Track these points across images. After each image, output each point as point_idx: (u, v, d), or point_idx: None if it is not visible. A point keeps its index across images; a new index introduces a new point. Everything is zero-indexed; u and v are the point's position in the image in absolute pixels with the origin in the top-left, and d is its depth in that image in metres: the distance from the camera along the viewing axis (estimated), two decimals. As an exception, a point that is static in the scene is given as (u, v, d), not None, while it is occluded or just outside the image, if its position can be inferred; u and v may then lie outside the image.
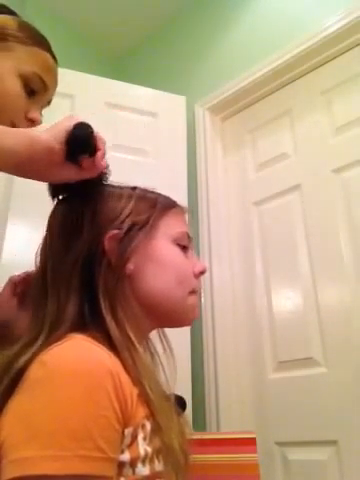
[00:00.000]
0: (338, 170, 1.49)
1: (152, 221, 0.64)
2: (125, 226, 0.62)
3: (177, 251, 0.66)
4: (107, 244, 0.61)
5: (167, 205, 0.68)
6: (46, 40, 0.77)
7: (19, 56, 0.71)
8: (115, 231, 0.62)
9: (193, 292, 0.67)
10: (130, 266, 0.62)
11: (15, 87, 0.70)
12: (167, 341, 0.70)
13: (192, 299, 0.67)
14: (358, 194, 1.42)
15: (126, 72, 2.31)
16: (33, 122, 0.74)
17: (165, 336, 0.71)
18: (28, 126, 0.72)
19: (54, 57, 0.77)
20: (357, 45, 1.57)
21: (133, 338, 0.57)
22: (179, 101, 1.88)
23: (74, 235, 0.62)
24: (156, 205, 0.66)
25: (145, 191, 0.69)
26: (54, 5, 2.14)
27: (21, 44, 0.72)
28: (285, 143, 1.68)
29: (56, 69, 0.78)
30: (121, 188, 0.68)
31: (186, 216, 0.72)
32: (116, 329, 0.57)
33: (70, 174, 0.61)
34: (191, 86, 1.98)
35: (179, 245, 0.66)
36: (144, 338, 0.67)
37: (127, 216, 0.63)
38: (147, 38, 2.31)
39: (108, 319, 0.57)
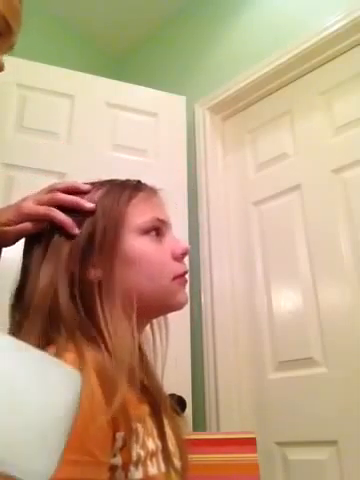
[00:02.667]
0: (338, 170, 1.49)
1: (113, 221, 0.61)
2: (85, 234, 0.60)
3: (146, 243, 0.62)
4: (69, 258, 0.60)
5: (130, 196, 0.64)
6: None
7: None
8: (75, 242, 0.60)
9: (177, 277, 0.64)
10: (96, 273, 0.60)
11: None
12: (166, 327, 0.69)
13: (176, 284, 0.64)
14: (358, 194, 1.42)
15: (126, 72, 2.31)
16: None
17: (166, 323, 0.69)
18: None
19: None
20: (357, 45, 1.57)
21: (105, 338, 0.56)
22: (179, 101, 1.88)
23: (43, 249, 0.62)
24: (118, 202, 0.63)
25: (104, 190, 0.65)
26: (53, 5, 2.14)
27: None
28: (285, 143, 1.68)
29: (21, 10, 0.68)
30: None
31: (157, 197, 0.68)
32: (100, 335, 0.56)
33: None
34: (191, 86, 1.98)
35: (151, 232, 0.63)
36: (139, 333, 0.65)
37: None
38: (147, 38, 2.31)
39: (93, 326, 0.56)
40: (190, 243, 1.58)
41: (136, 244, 0.62)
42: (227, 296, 1.63)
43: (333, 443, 1.26)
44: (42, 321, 0.56)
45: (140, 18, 2.24)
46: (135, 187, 0.66)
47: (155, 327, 0.69)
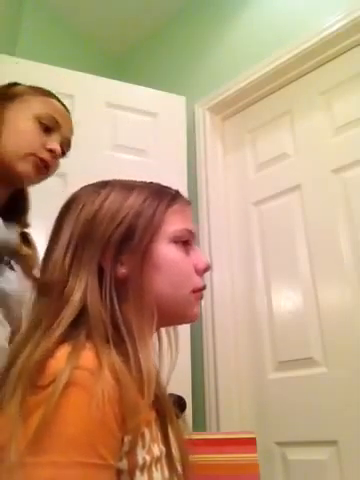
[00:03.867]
0: (338, 170, 1.49)
1: (152, 226, 0.62)
2: (122, 232, 0.61)
3: (175, 251, 0.63)
4: (102, 254, 0.60)
5: (168, 204, 0.65)
6: (53, 93, 0.96)
7: (32, 104, 0.90)
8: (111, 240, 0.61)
9: (196, 290, 0.65)
10: (122, 270, 0.60)
11: (31, 126, 0.87)
12: (176, 335, 0.69)
13: (194, 297, 0.65)
14: (358, 194, 1.42)
15: (126, 72, 2.31)
16: (52, 151, 0.89)
17: (175, 331, 0.70)
18: (50, 156, 0.89)
19: (64, 105, 0.96)
20: (357, 45, 1.57)
21: (135, 339, 0.56)
22: (179, 101, 1.88)
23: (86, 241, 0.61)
24: (158, 208, 0.64)
25: (146, 193, 0.65)
26: (54, 5, 2.14)
27: (33, 96, 0.92)
28: (285, 143, 1.68)
29: (66, 113, 0.96)
30: (125, 192, 0.65)
31: (189, 209, 0.69)
32: (115, 332, 0.56)
33: None
34: (191, 86, 1.98)
35: (179, 242, 0.64)
36: (150, 337, 0.65)
37: (123, 223, 0.61)
38: (147, 38, 2.31)
39: (107, 321, 0.56)
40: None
41: (166, 251, 0.63)
42: (227, 296, 1.63)
43: (333, 443, 1.26)
44: (68, 317, 0.55)
45: (140, 18, 2.24)
46: (173, 197, 0.67)
47: (162, 335, 0.70)
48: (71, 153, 1.52)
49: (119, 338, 0.56)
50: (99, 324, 0.55)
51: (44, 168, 0.89)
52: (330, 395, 1.30)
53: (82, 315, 0.56)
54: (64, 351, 0.51)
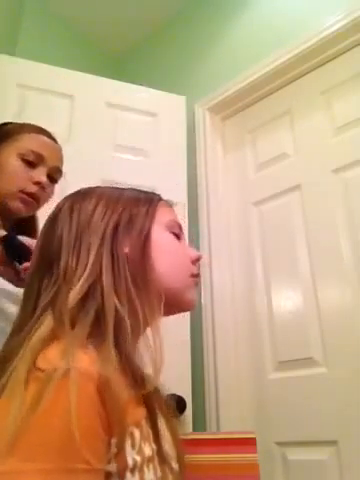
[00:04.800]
0: (338, 170, 1.49)
1: (149, 211, 0.67)
2: (124, 217, 0.64)
3: (171, 237, 0.68)
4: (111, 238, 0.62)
5: (158, 199, 0.71)
6: (42, 128, 1.04)
7: (18, 143, 0.99)
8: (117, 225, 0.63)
9: (193, 276, 0.69)
10: (125, 249, 0.62)
11: (15, 164, 0.96)
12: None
13: (192, 282, 0.69)
14: (358, 194, 1.42)
15: (126, 72, 2.31)
16: (40, 183, 0.97)
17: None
18: (37, 188, 0.97)
19: (51, 137, 1.05)
20: (357, 45, 1.57)
21: (148, 321, 0.58)
22: (179, 101, 1.88)
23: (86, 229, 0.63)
24: (152, 200, 0.69)
25: (136, 192, 0.71)
26: (54, 5, 2.14)
27: (20, 134, 1.00)
28: (285, 143, 1.68)
29: (53, 144, 1.04)
30: (116, 191, 0.69)
31: (173, 209, 0.74)
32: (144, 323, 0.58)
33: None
34: (191, 86, 1.98)
35: (171, 233, 0.69)
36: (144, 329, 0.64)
37: (124, 210, 0.65)
38: (147, 38, 2.31)
39: (121, 306, 0.57)
40: (190, 244, 1.59)
41: (164, 235, 0.67)
42: (227, 296, 1.62)
43: (333, 443, 1.26)
44: (67, 313, 0.55)
45: (140, 18, 2.24)
46: (160, 197, 0.73)
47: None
48: (71, 153, 1.54)
49: (123, 326, 0.55)
50: (111, 309, 0.56)
51: (33, 201, 0.98)
52: (330, 395, 1.30)
53: (84, 305, 0.56)
54: (58, 349, 0.50)
